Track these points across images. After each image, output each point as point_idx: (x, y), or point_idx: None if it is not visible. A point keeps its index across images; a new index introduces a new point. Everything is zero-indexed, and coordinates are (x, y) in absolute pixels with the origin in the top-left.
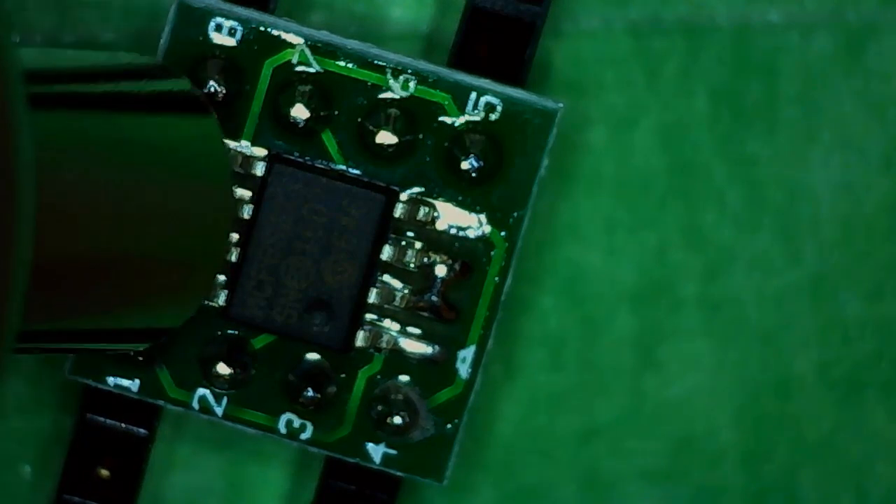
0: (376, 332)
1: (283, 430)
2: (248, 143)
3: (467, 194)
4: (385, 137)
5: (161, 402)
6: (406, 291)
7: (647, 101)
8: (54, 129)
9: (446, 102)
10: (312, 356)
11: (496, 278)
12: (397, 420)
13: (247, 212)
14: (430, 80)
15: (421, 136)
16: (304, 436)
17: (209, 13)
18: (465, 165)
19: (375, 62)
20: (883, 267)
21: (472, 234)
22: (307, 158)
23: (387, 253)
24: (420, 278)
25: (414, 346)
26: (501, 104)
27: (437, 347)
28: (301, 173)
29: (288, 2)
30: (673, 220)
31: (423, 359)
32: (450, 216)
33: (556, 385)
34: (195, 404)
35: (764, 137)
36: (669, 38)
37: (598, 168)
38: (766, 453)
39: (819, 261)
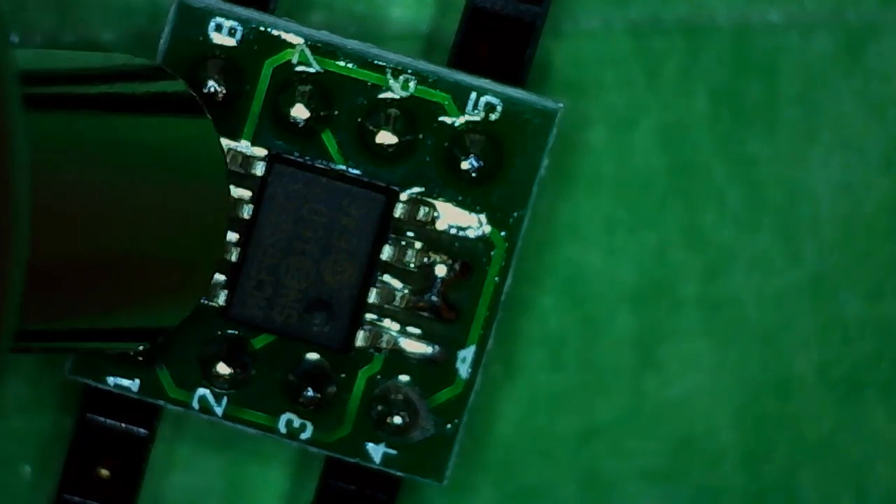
0: (376, 332)
1: (283, 430)
2: (248, 143)
3: (467, 194)
4: (385, 137)
5: (161, 402)
6: (406, 291)
7: (647, 101)
8: (49, 131)
9: (446, 102)
10: (312, 356)
11: (496, 278)
12: (397, 420)
13: (247, 212)
14: (430, 80)
15: (421, 136)
16: (304, 436)
17: (209, 13)
18: (465, 165)
19: (375, 62)
20: (883, 267)
21: (472, 234)
22: (307, 158)
23: (387, 253)
24: (420, 278)
25: (414, 346)
26: (501, 104)
27: (437, 347)
28: (301, 173)
29: (288, 2)
30: (673, 220)
31: (423, 359)
32: (450, 216)
33: (556, 385)
34: (195, 404)
35: (764, 137)
36: (669, 38)
37: (598, 168)
38: (766, 453)
39: (819, 261)
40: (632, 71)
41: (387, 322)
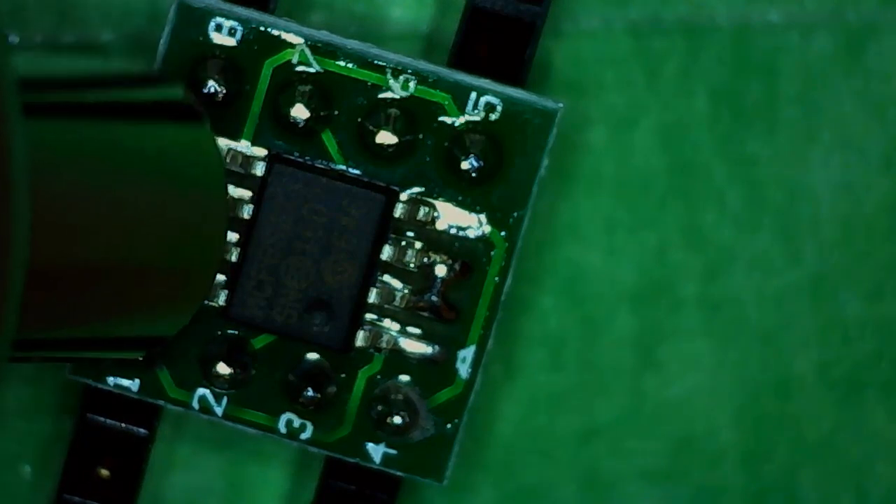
0: (376, 332)
1: (283, 430)
2: (248, 143)
3: (467, 194)
4: (385, 137)
5: (161, 402)
6: (406, 291)
7: (647, 101)
8: (48, 138)
9: (446, 102)
10: (312, 356)
11: (496, 278)
12: (397, 420)
13: (247, 212)
14: (430, 80)
15: (421, 136)
16: (304, 436)
17: (209, 13)
18: (465, 165)
19: (375, 62)
20: (883, 267)
21: (472, 234)
22: (307, 158)
23: (387, 253)
24: (420, 278)
25: (414, 346)
26: (501, 104)
27: (437, 347)
28: (301, 173)
29: (288, 2)
30: (673, 220)
31: (423, 359)
32: (450, 216)
33: (556, 385)
34: (195, 404)
35: (764, 137)
36: (669, 38)
37: (598, 168)
38: (766, 453)
39: (819, 261)
40: (632, 71)
41: (387, 322)
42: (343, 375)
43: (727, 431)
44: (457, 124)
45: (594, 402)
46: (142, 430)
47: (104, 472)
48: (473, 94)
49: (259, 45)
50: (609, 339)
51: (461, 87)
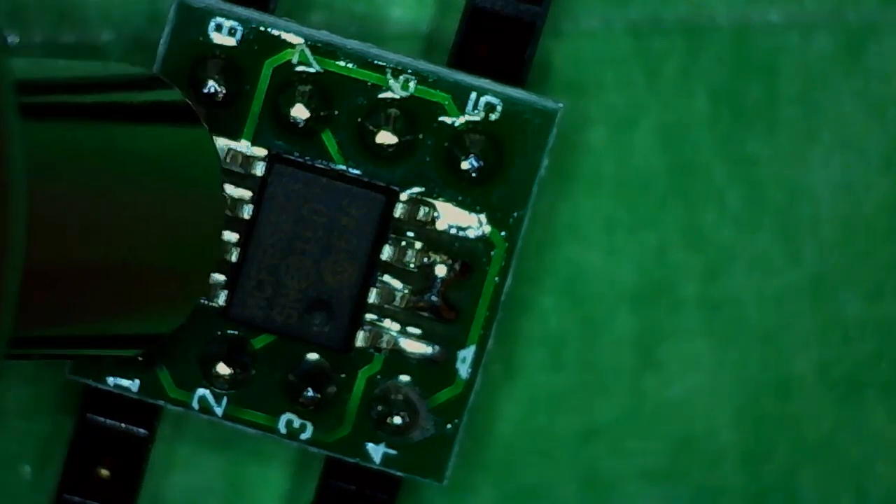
0: (376, 332)
1: (283, 430)
2: (248, 143)
3: (467, 194)
4: (385, 137)
5: (161, 402)
6: (406, 291)
7: (647, 101)
8: (46, 140)
9: (446, 102)
10: (312, 356)
11: (496, 278)
12: (397, 420)
13: (247, 212)
14: (430, 80)
15: (421, 136)
16: (304, 436)
17: (209, 13)
18: (465, 165)
19: (375, 62)
20: (883, 267)
21: (472, 234)
22: (307, 158)
23: (387, 253)
24: (420, 278)
25: (414, 346)
26: (501, 104)
27: (437, 347)
28: (301, 173)
29: (288, 2)
30: (673, 220)
31: (423, 359)
32: (450, 216)
33: (556, 385)
34: (195, 404)
35: (764, 137)
36: (669, 38)
37: (598, 168)
38: (766, 453)
39: (819, 261)
40: (632, 71)
41: (387, 322)
42: (343, 375)
43: (727, 431)
44: (457, 124)
45: (594, 402)
46: (142, 430)
47: (104, 472)
48: (473, 94)
49: (259, 45)
50: (609, 339)
51: (461, 87)
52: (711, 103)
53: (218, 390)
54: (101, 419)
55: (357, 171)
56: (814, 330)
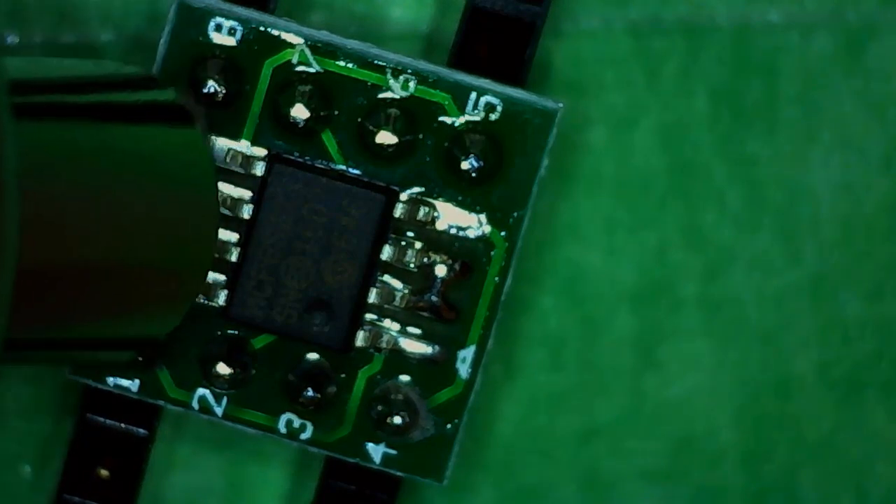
0: (376, 332)
1: (283, 430)
2: (248, 143)
3: (467, 194)
4: (385, 137)
5: (161, 402)
6: (406, 291)
7: (647, 101)
8: (39, 140)
9: (446, 102)
10: (312, 356)
11: (496, 278)
12: (397, 420)
13: (247, 212)
14: (430, 80)
15: (421, 136)
16: (304, 436)
17: (209, 13)
18: (465, 165)
19: (375, 62)
20: (883, 267)
21: (472, 234)
22: (307, 158)
23: (387, 253)
24: (420, 278)
25: (414, 346)
26: (501, 104)
27: (437, 347)
28: (301, 173)
29: (288, 2)
30: (673, 220)
31: (423, 359)
32: (450, 216)
33: (556, 385)
34: (195, 404)
35: (764, 137)
36: (669, 38)
37: (598, 168)
38: (766, 453)
39: (819, 261)
40: (632, 71)
41: (387, 322)
42: (343, 375)
43: (727, 431)
44: (457, 124)
45: (594, 402)
46: (142, 431)
47: (104, 473)
48: (473, 94)
49: (259, 45)
50: (609, 339)
51: (461, 87)
52: (711, 103)
53: (218, 390)
54: (101, 419)
55: (357, 171)
56: (814, 330)
